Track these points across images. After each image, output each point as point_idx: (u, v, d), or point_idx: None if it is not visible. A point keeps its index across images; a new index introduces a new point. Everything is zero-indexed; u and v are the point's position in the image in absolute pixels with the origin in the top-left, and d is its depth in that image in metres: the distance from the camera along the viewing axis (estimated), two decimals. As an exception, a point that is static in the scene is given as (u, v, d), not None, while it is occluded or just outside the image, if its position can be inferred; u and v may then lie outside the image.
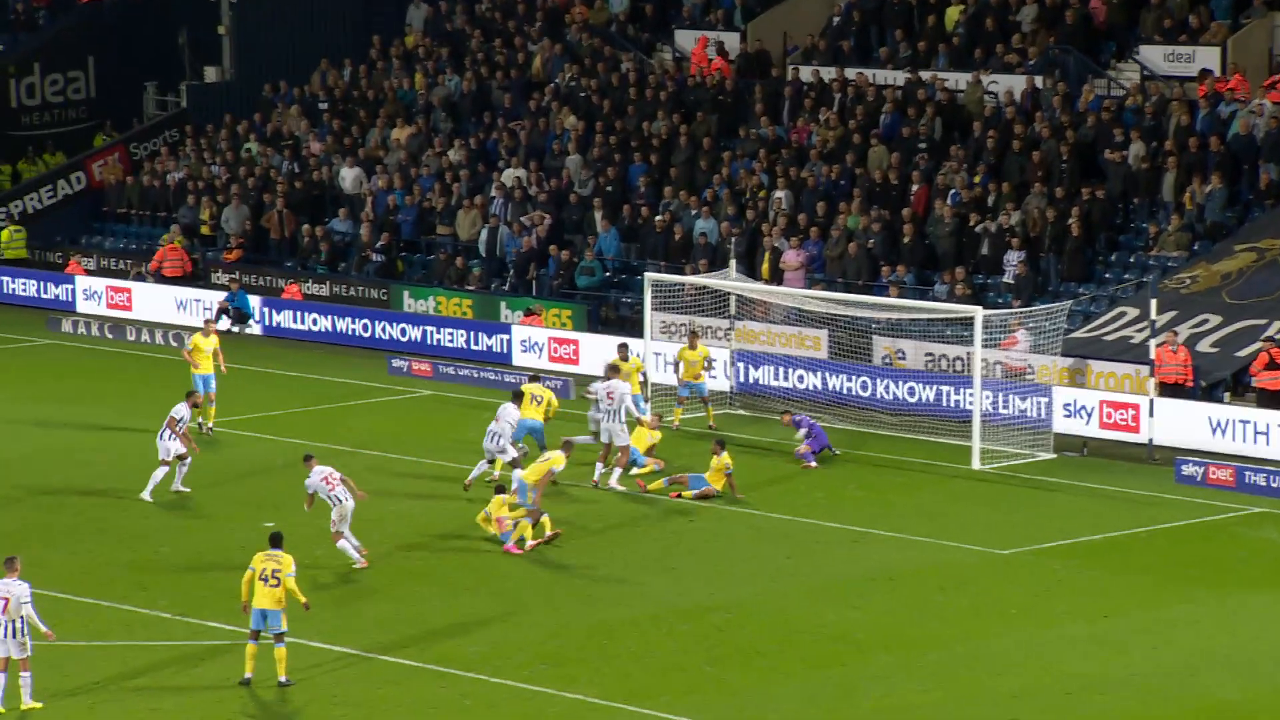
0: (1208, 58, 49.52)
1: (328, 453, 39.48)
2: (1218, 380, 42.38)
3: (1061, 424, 41.08)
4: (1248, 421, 39.63)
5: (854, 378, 43.47)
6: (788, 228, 49.35)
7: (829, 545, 34.23)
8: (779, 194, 50.59)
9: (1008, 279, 46.57)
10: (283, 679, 27.06)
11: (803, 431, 39.43)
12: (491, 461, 36.51)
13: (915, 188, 49.41)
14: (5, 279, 57.00)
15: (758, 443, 40.89)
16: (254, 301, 52.41)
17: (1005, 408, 41.18)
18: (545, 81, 57.62)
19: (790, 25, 56.43)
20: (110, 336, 52.00)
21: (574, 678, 27.52)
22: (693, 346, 41.97)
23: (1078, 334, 44.16)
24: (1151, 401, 40.14)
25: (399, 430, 42.23)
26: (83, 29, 65.18)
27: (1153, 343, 40.80)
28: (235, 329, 51.89)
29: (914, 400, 42.79)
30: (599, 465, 37.40)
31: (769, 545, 34.14)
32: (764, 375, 43.64)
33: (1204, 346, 42.92)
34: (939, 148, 50.23)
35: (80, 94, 65.01)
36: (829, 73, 53.40)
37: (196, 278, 55.87)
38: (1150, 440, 39.96)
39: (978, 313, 40.17)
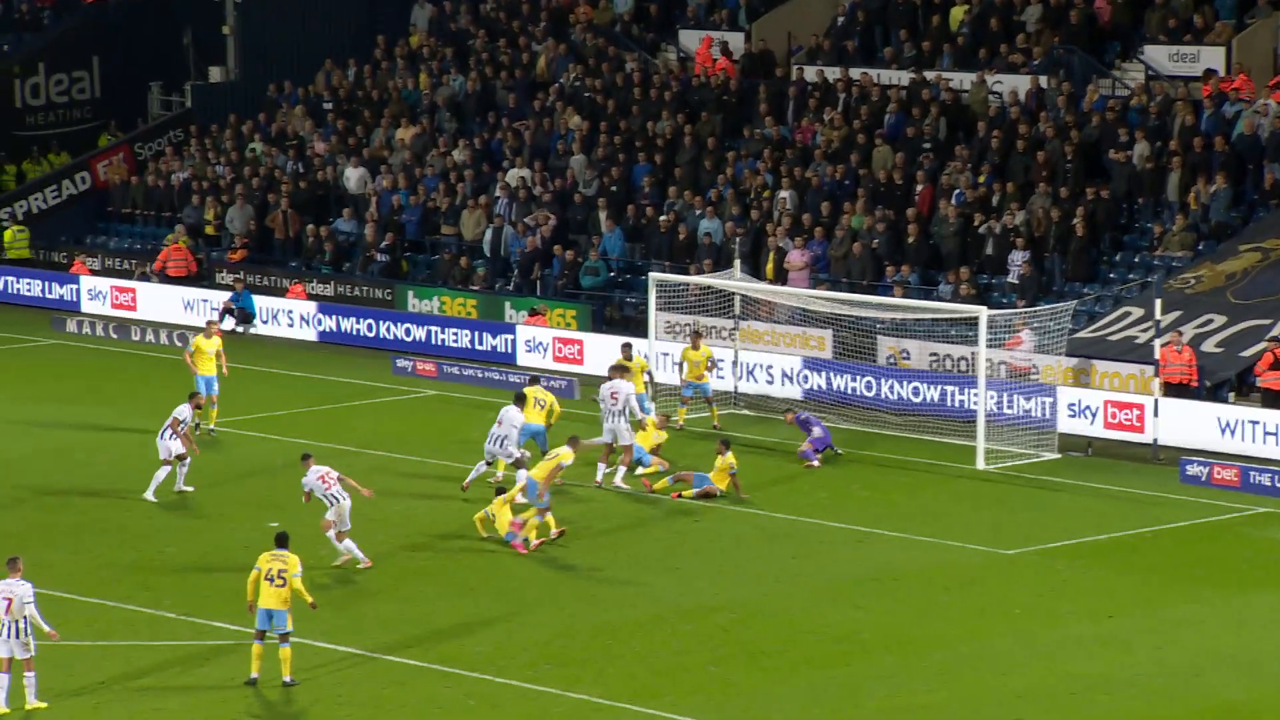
0: (1212, 58, 49.51)
1: (332, 453, 39.51)
2: (1222, 380, 42.36)
3: (1066, 424, 41.07)
4: (1256, 422, 39.59)
5: (858, 378, 43.45)
6: (792, 228, 49.34)
7: (833, 545, 34.22)
8: (783, 194, 50.59)
9: (1012, 279, 46.56)
10: (287, 679, 27.07)
11: (817, 430, 39.39)
12: (490, 463, 36.45)
13: (920, 188, 49.40)
14: (10, 279, 57.03)
15: (762, 443, 40.88)
16: (258, 301, 52.48)
17: (1010, 408, 41.17)
18: (550, 81, 57.63)
19: (795, 25, 56.43)
20: (115, 336, 52.03)
21: (578, 678, 27.52)
22: (695, 347, 41.98)
23: (1082, 334, 44.15)
24: (1156, 402, 40.13)
25: (403, 430, 42.24)
26: (88, 29, 65.22)
27: (1157, 343, 40.78)
28: (239, 329, 51.92)
29: (919, 400, 42.79)
30: (601, 466, 37.39)
31: (773, 545, 34.13)
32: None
33: (1209, 346, 42.90)
34: (943, 148, 50.22)
35: (85, 94, 65.05)
36: (833, 73, 53.40)
37: (201, 278, 55.89)
38: (1155, 440, 39.94)
39: (982, 313, 40.16)
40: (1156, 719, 26.45)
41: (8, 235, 59.48)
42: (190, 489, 36.52)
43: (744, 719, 26.27)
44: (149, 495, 36.16)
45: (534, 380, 39.30)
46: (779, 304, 45.98)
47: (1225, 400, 41.75)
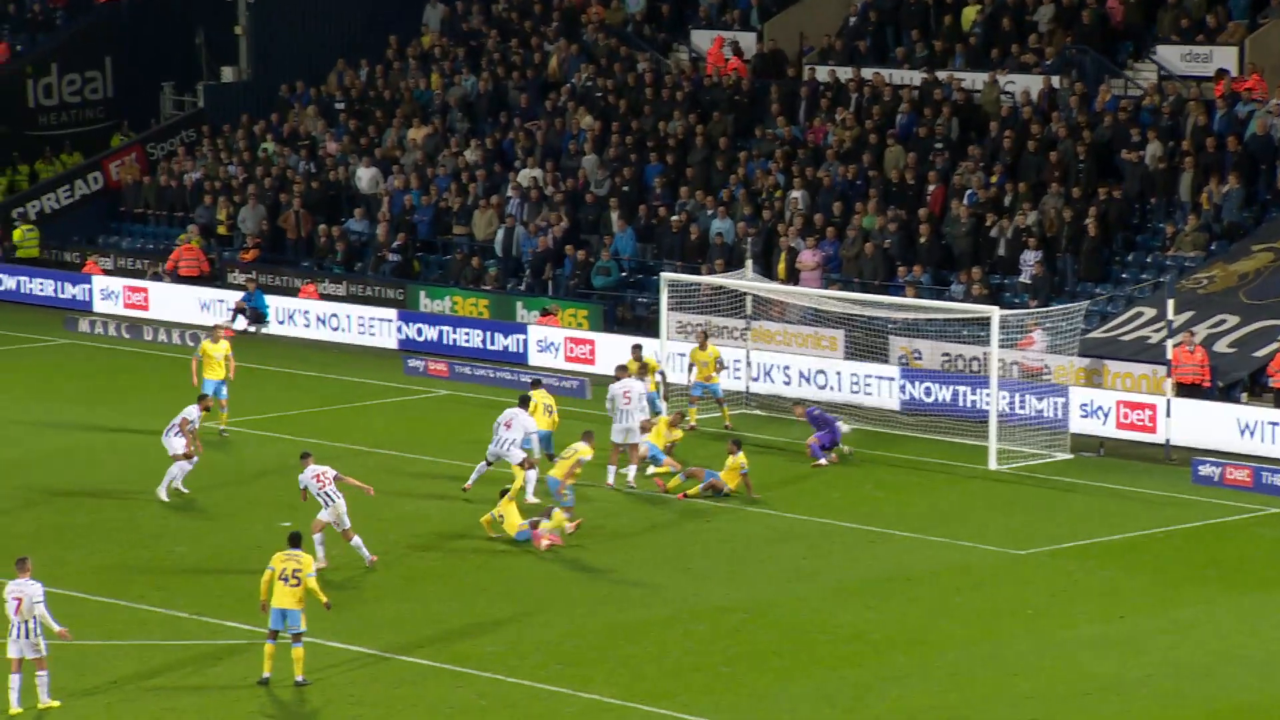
0: (1225, 57, 49.46)
1: (344, 452, 39.57)
2: (1235, 380, 42.32)
3: (1078, 424, 41.05)
4: (1276, 423, 39.50)
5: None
6: (804, 228, 49.34)
7: (845, 546, 34.21)
8: (795, 194, 50.58)
9: (1024, 279, 46.53)
10: (299, 678, 27.09)
11: (841, 425, 39.41)
12: (491, 464, 36.33)
13: (932, 188, 49.38)
14: (23, 279, 57.11)
15: (774, 443, 40.88)
16: (270, 301, 52.52)
17: (1022, 408, 41.14)
18: (561, 81, 57.65)
19: (806, 25, 56.41)
20: (127, 336, 52.08)
21: (590, 678, 27.53)
22: (703, 347, 41.97)
23: (1094, 334, 44.12)
24: (1168, 402, 40.09)
25: (415, 430, 42.27)
26: (100, 29, 65.29)
27: (1170, 343, 40.75)
28: (252, 329, 51.97)
29: (931, 400, 42.75)
30: (611, 468, 37.35)
31: (785, 546, 34.13)
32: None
33: (1221, 347, 42.86)
34: (955, 148, 50.20)
35: (97, 94, 65.11)
36: (845, 73, 53.38)
37: (213, 278, 55.93)
38: (1167, 440, 39.91)
39: (994, 313, 40.14)
40: (1169, 719, 26.44)
41: (16, 234, 59.57)
42: (186, 490, 36.43)
43: (755, 719, 26.27)
44: (161, 494, 36.18)
45: (536, 384, 39.19)
46: (791, 304, 45.97)
47: (1238, 400, 41.71)
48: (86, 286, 55.97)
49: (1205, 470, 37.96)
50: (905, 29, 54.38)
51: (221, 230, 57.85)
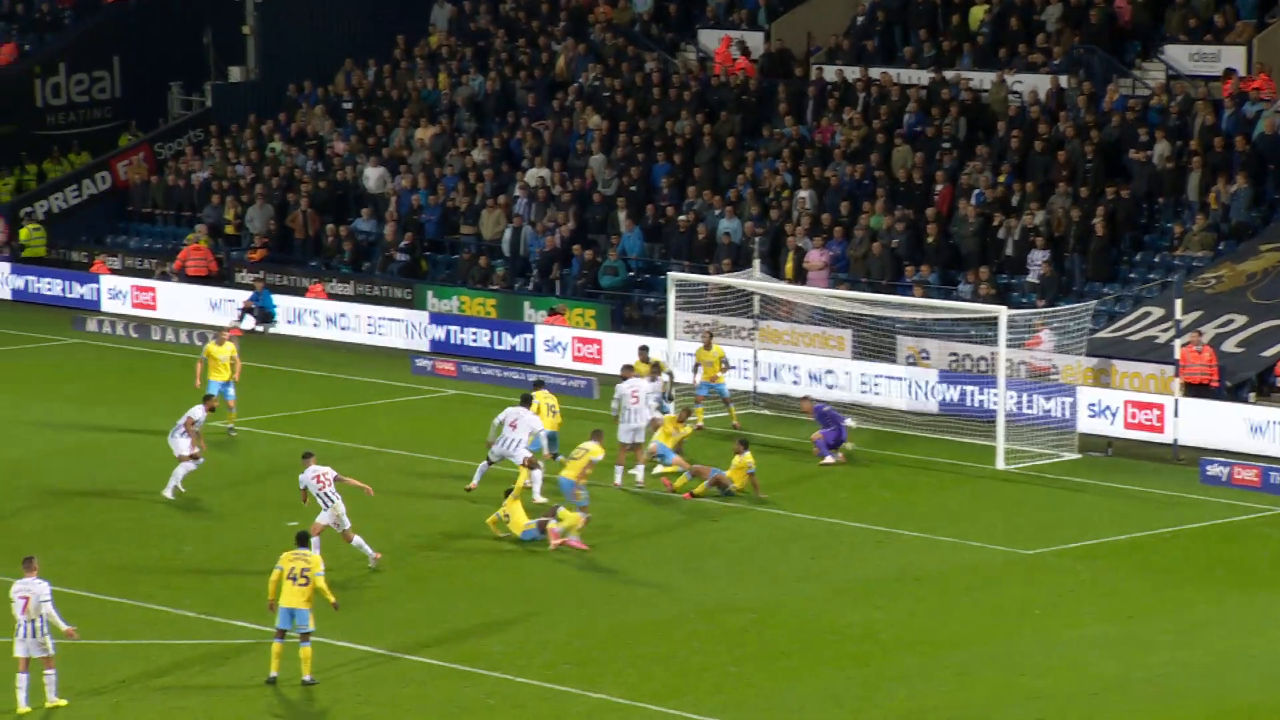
0: (1233, 57, 49.42)
1: (351, 452, 39.60)
2: (1243, 380, 42.29)
3: (1086, 424, 41.03)
4: (1285, 423, 39.57)
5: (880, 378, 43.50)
6: (811, 227, 49.32)
7: (853, 546, 34.21)
8: (803, 194, 50.57)
9: (1032, 279, 46.51)
10: (307, 678, 27.10)
11: (849, 422, 39.40)
12: (494, 463, 36.29)
13: (939, 187, 49.36)
14: (31, 278, 57.16)
15: (782, 443, 40.88)
16: (278, 300, 52.55)
17: (1030, 408, 41.12)
18: (569, 81, 57.64)
19: (814, 25, 56.39)
20: (135, 336, 52.11)
21: (598, 677, 27.53)
22: (708, 347, 41.95)
23: (1102, 334, 44.09)
24: (1176, 402, 40.07)
25: (423, 430, 42.28)
26: (108, 29, 65.32)
27: (1178, 343, 40.72)
28: (259, 329, 52.01)
29: (938, 400, 42.73)
30: (618, 468, 37.33)
31: (793, 545, 34.12)
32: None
33: (1229, 346, 42.83)
34: (963, 147, 50.18)
35: (105, 94, 65.16)
36: (853, 72, 53.36)
37: (221, 277, 55.96)
38: (1175, 440, 39.88)
39: (1002, 313, 40.12)
40: (1176, 719, 26.42)
41: (23, 234, 59.61)
42: (184, 490, 36.38)
43: (763, 719, 26.26)
44: (167, 494, 36.19)
45: (539, 384, 39.13)
46: (798, 304, 45.95)
47: (1246, 400, 41.68)
48: (94, 286, 56.00)
49: (1213, 470, 37.94)
50: (913, 28, 54.35)
51: (229, 230, 57.86)
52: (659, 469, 37.65)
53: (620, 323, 49.58)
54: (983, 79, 51.53)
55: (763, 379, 44.48)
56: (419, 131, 57.66)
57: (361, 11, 63.31)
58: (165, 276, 55.79)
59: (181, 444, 36.34)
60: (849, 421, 39.74)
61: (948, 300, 45.52)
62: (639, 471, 37.48)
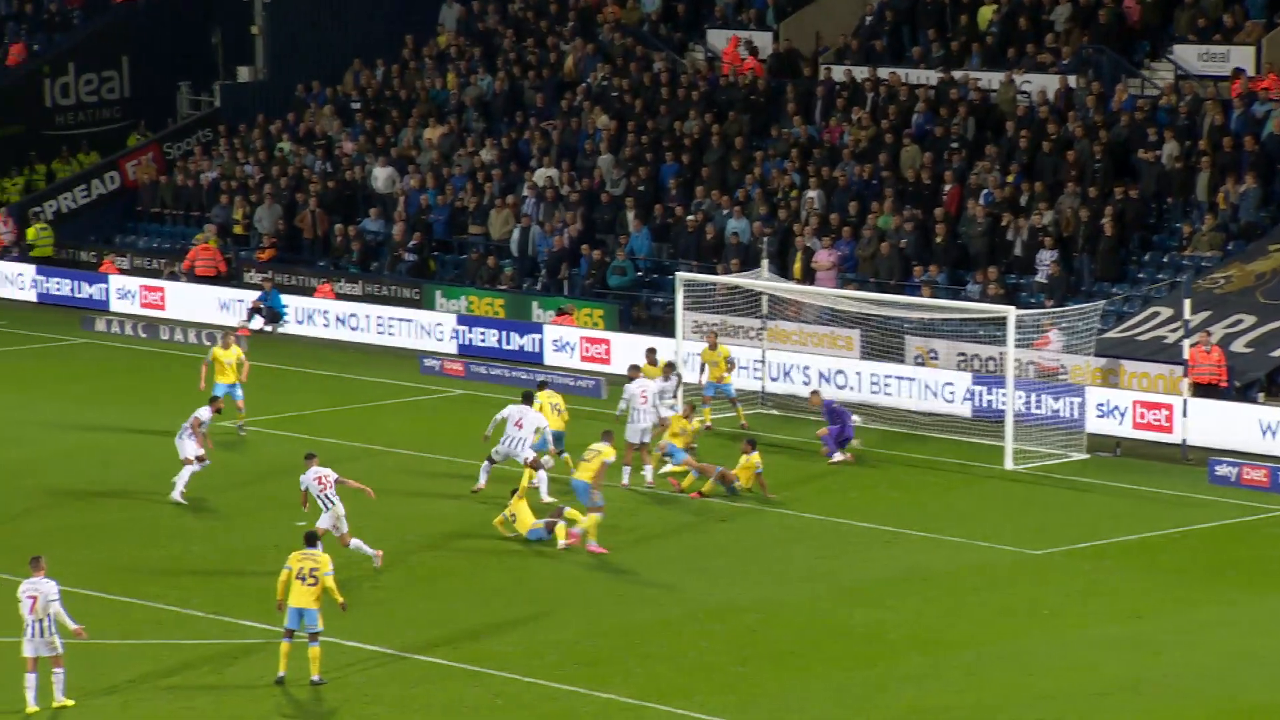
0: (1242, 57, 49.39)
1: (360, 452, 39.64)
2: (1252, 380, 42.25)
3: (1095, 424, 41.00)
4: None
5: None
6: (820, 227, 49.32)
7: (861, 546, 34.20)
8: (811, 194, 50.56)
9: (1041, 279, 46.49)
10: (316, 678, 27.11)
11: (855, 419, 39.38)
12: (496, 462, 36.26)
13: (948, 187, 49.35)
14: (40, 278, 57.21)
15: (790, 443, 40.87)
16: (286, 300, 52.58)
17: (1038, 408, 41.09)
18: (577, 81, 57.66)
19: (822, 25, 56.39)
20: (144, 336, 52.15)
21: (606, 677, 27.53)
22: (712, 347, 41.92)
23: (1111, 334, 44.07)
24: (1185, 402, 40.04)
25: (431, 430, 42.29)
26: (117, 29, 65.39)
27: (1186, 343, 40.69)
28: (268, 329, 52.04)
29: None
30: (625, 468, 37.32)
31: (801, 545, 34.12)
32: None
33: (1238, 346, 42.80)
34: (972, 147, 50.16)
35: (114, 94, 65.22)
36: (861, 72, 53.36)
37: (230, 277, 55.99)
38: (1184, 440, 39.85)
39: (1010, 313, 40.10)
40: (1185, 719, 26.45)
41: (30, 233, 59.70)
42: (184, 502, 36.22)
43: (771, 719, 26.25)
44: (176, 496, 36.19)
45: (544, 385, 39.08)
46: (807, 304, 45.95)
47: (1255, 400, 41.64)
48: (103, 286, 56.05)
49: (1222, 470, 37.90)
50: (921, 28, 54.35)
51: (238, 230, 57.92)
52: (666, 468, 37.64)
53: (628, 323, 49.58)
54: (991, 79, 51.52)
55: (773, 379, 44.47)
56: (427, 131, 57.68)
57: (370, 11, 63.35)
58: (174, 276, 55.83)
59: (188, 446, 36.33)
60: (855, 418, 39.72)
61: (956, 300, 45.51)
62: (647, 472, 37.47)
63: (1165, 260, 46.74)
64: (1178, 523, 35.74)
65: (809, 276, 48.25)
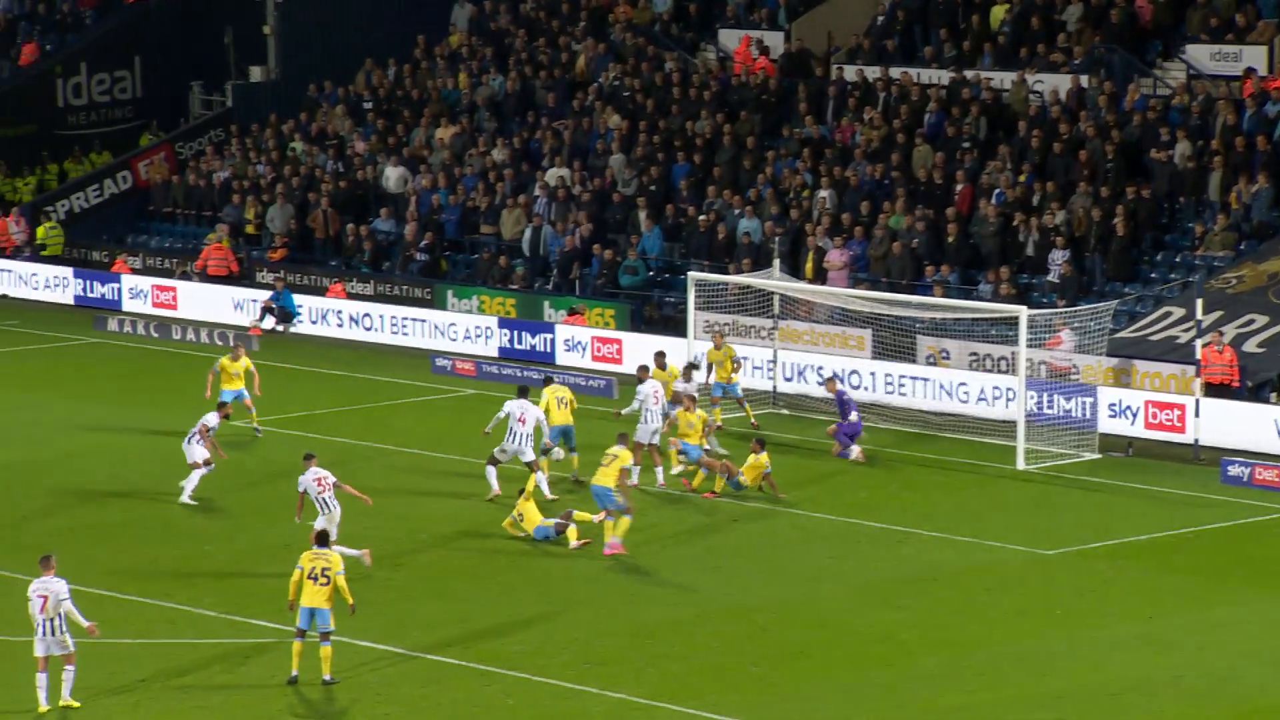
0: (1254, 57, 49.33)
1: (371, 451, 39.66)
2: (1264, 380, 42.20)
3: (1106, 424, 40.96)
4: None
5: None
6: (831, 227, 49.30)
7: (873, 545, 34.18)
8: (823, 193, 50.54)
9: (1052, 279, 46.46)
10: (327, 677, 27.12)
11: (854, 415, 39.35)
12: (499, 462, 36.20)
13: (959, 187, 49.32)
14: (51, 277, 57.24)
15: (802, 443, 40.85)
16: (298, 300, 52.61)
17: (1050, 408, 41.05)
18: (589, 81, 57.66)
19: (834, 24, 56.37)
20: (156, 335, 52.18)
21: (618, 677, 27.52)
22: (718, 347, 41.87)
23: (1123, 334, 44.03)
24: (1197, 402, 39.99)
25: (442, 430, 42.30)
26: (129, 29, 65.47)
27: (1198, 343, 40.64)
28: (280, 328, 52.07)
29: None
30: (636, 468, 37.24)
31: (813, 545, 34.11)
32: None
33: (1250, 346, 42.75)
34: (984, 147, 50.13)
35: (126, 94, 65.30)
36: (873, 72, 53.33)
37: (242, 277, 56.03)
38: (1196, 441, 39.81)
39: (1022, 312, 40.07)
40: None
41: (40, 232, 59.77)
42: (194, 504, 36.23)
43: (784, 719, 26.24)
44: (186, 499, 36.18)
45: (548, 380, 39.06)
46: (818, 303, 45.93)
47: (1267, 401, 41.59)
48: (115, 286, 56.10)
49: (1234, 470, 37.86)
50: (933, 28, 54.31)
51: (250, 229, 57.96)
52: (678, 469, 37.61)
53: (640, 322, 49.58)
54: (1003, 79, 51.48)
55: (786, 380, 44.44)
56: (439, 131, 57.70)
57: (382, 11, 63.39)
58: (186, 276, 55.87)
59: (196, 451, 36.33)
60: (854, 415, 39.68)
61: (968, 300, 45.49)
62: (659, 472, 37.46)
63: (1177, 260, 46.69)
64: (1190, 523, 35.70)
65: (821, 276, 48.23)
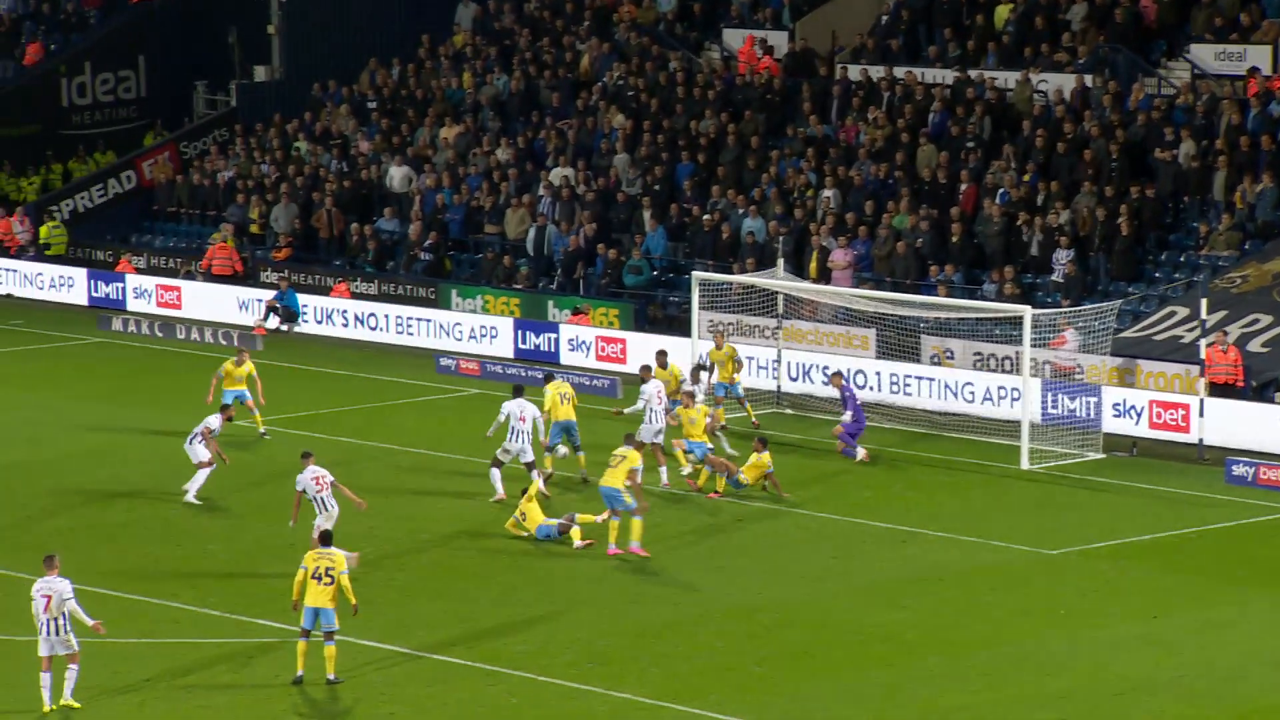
0: (1259, 56, 49.32)
1: (376, 451, 39.66)
2: (1268, 380, 42.18)
3: (1111, 424, 40.95)
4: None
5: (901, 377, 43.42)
6: (836, 227, 49.29)
7: (877, 545, 34.18)
8: (827, 193, 50.54)
9: (1057, 278, 46.45)
10: (331, 676, 27.13)
11: (854, 411, 39.34)
12: (502, 462, 36.21)
13: (964, 187, 49.32)
14: (55, 277, 57.28)
15: (806, 442, 40.85)
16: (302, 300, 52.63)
17: (1054, 407, 41.04)
18: (593, 80, 57.67)
19: (838, 24, 56.36)
20: (160, 335, 52.21)
21: (622, 677, 27.53)
22: (719, 347, 41.86)
23: (1127, 333, 44.02)
24: (1201, 401, 39.98)
25: (446, 429, 42.31)
26: (133, 29, 65.52)
27: (1203, 342, 40.63)
28: (284, 328, 52.08)
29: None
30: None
31: (817, 545, 34.11)
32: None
33: (1255, 346, 42.73)
34: (988, 147, 50.12)
35: (131, 93, 65.33)
36: (877, 71, 53.32)
37: (246, 277, 56.05)
38: (1200, 440, 39.80)
39: (1026, 312, 40.08)
40: (1201, 720, 26.41)
41: (43, 231, 59.81)
42: (198, 503, 36.28)
43: (787, 719, 26.24)
44: (191, 498, 36.19)
45: (550, 377, 39.07)
46: (822, 303, 45.93)
47: (1271, 400, 41.57)
48: (119, 285, 56.12)
49: (1238, 470, 37.84)
50: (938, 27, 54.31)
51: (254, 229, 57.99)
52: (687, 469, 37.58)
53: (644, 322, 49.59)
54: (1007, 78, 51.47)
55: (792, 379, 44.43)
56: (443, 131, 57.71)
57: (386, 11, 63.41)
58: (190, 275, 55.89)
59: (199, 452, 36.33)
60: (847, 416, 39.67)
61: (972, 300, 45.49)
62: (663, 472, 37.46)
63: (1182, 260, 46.67)
64: (1194, 522, 35.69)
65: (825, 276, 48.23)
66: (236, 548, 33.77)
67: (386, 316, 51.63)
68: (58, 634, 26.11)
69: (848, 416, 39.48)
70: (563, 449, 37.29)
